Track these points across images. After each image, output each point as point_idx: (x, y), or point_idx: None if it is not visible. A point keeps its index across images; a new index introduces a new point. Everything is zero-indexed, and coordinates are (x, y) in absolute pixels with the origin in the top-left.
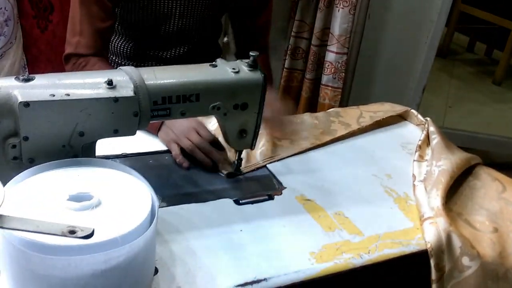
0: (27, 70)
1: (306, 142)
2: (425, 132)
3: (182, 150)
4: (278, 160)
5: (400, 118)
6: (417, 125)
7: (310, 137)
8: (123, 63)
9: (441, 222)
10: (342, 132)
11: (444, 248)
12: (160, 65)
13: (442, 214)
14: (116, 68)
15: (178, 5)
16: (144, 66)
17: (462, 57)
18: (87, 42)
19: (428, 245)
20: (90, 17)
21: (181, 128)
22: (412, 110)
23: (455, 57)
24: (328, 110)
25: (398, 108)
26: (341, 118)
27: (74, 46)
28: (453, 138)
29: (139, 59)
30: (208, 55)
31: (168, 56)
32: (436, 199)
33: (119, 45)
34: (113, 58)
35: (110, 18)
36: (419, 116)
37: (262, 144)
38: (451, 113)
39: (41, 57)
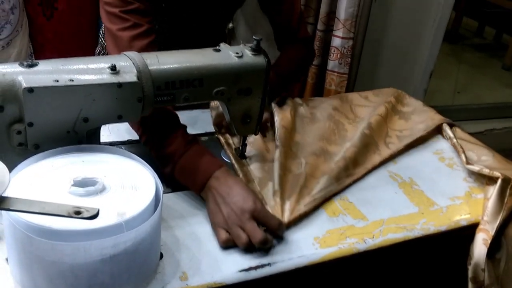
0: (33, 58)
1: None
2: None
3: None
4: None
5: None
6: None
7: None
8: None
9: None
10: (374, 161)
11: (484, 269)
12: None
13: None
14: None
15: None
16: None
17: (471, 42)
18: None
19: (470, 260)
20: None
21: (233, 208)
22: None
23: (464, 41)
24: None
25: (431, 123)
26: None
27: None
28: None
29: None
30: (211, 41)
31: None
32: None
33: None
34: None
35: None
36: (449, 132)
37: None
38: (460, 98)
39: (47, 45)
